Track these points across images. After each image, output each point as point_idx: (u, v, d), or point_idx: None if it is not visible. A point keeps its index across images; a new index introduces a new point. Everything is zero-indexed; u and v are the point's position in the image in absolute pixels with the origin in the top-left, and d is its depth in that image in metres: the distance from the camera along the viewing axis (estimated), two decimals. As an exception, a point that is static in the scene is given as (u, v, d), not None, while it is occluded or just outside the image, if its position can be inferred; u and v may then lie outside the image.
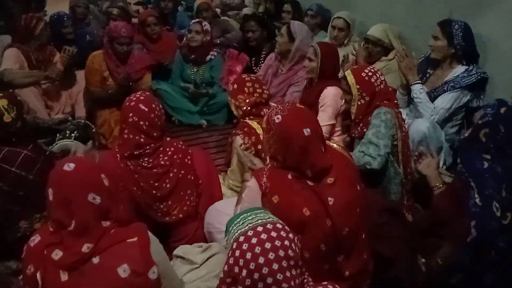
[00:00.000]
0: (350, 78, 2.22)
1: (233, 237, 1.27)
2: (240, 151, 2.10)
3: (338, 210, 1.59)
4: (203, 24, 3.46)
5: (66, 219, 1.34)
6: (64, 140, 2.66)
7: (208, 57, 3.57)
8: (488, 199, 1.60)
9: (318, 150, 1.62)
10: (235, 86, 2.33)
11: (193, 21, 3.56)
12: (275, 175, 1.64)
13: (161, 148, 2.05)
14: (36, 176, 2.02)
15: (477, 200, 1.61)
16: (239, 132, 2.20)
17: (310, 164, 1.60)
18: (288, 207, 1.57)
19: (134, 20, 4.28)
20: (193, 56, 3.54)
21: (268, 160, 1.73)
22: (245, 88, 2.29)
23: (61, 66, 3.23)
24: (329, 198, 1.59)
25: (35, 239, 1.38)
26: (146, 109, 1.97)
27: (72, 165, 1.38)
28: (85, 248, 1.33)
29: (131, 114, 1.96)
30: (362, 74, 2.22)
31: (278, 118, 1.62)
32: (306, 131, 1.58)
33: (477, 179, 1.65)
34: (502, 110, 1.71)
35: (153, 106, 2.00)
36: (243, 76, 2.41)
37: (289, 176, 1.62)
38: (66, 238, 1.34)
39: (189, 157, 2.13)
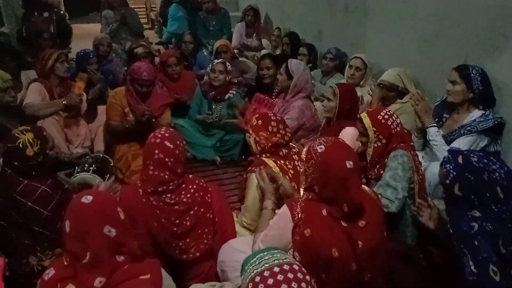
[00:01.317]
0: (367, 121, 2.23)
1: (249, 277, 1.25)
2: (260, 178, 2.09)
3: (365, 255, 1.57)
4: (226, 65, 3.63)
5: (81, 251, 1.35)
6: (83, 173, 2.70)
7: (227, 95, 3.68)
8: (483, 265, 1.54)
9: (357, 185, 1.63)
10: (260, 122, 2.31)
11: (216, 61, 3.69)
12: (310, 208, 1.63)
13: (183, 185, 2.05)
14: (51, 213, 2.03)
15: (472, 268, 1.56)
16: (255, 170, 2.21)
17: (347, 198, 1.59)
18: (319, 243, 1.56)
19: (156, 59, 4.42)
20: (213, 93, 3.65)
21: (302, 191, 1.73)
22: (269, 127, 2.28)
23: (78, 91, 3.27)
24: (359, 242, 1.58)
25: (49, 272, 1.39)
26: (172, 146, 1.98)
27: (90, 198, 1.41)
28: (97, 282, 1.33)
29: (156, 151, 1.96)
30: (378, 117, 2.22)
31: (321, 148, 1.64)
32: (349, 164, 1.58)
33: (468, 245, 1.60)
34: (460, 159, 1.68)
35: (178, 142, 2.02)
36: (270, 114, 2.39)
37: (324, 212, 1.61)
38: (80, 271, 1.35)
39: (209, 195, 2.12)
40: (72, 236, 1.37)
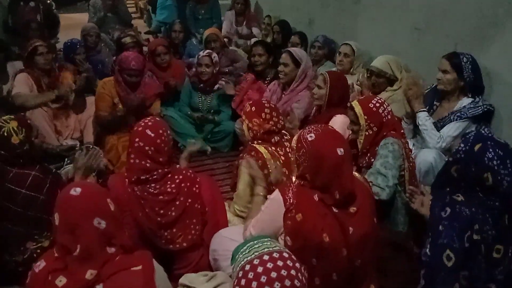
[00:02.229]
0: (358, 109, 2.23)
1: (239, 265, 1.26)
2: (248, 166, 2.10)
3: (356, 241, 1.59)
4: (212, 57, 3.56)
5: (72, 244, 1.34)
6: (71, 165, 2.66)
7: (216, 86, 3.64)
8: (439, 250, 1.56)
9: (349, 172, 1.64)
10: (253, 108, 2.34)
11: (201, 54, 3.59)
12: (302, 193, 1.64)
13: (170, 175, 2.04)
14: (46, 196, 2.04)
15: (427, 250, 1.59)
16: (246, 156, 2.22)
17: (339, 185, 1.60)
18: (310, 229, 1.57)
19: (145, 49, 4.36)
20: (202, 85, 3.61)
21: (294, 179, 1.73)
22: (262, 114, 2.30)
23: (67, 82, 3.22)
24: (350, 228, 1.59)
25: (40, 264, 1.38)
26: (152, 135, 1.97)
27: (78, 190, 1.39)
28: (89, 274, 1.33)
29: (137, 139, 1.97)
30: (369, 105, 2.23)
31: (311, 137, 1.64)
32: (340, 151, 1.59)
33: (433, 228, 1.62)
34: (477, 147, 1.61)
35: (160, 131, 2.00)
36: (263, 101, 2.42)
37: (315, 198, 1.62)
38: (70, 264, 1.34)
39: (197, 186, 2.11)
40: (62, 229, 1.36)
